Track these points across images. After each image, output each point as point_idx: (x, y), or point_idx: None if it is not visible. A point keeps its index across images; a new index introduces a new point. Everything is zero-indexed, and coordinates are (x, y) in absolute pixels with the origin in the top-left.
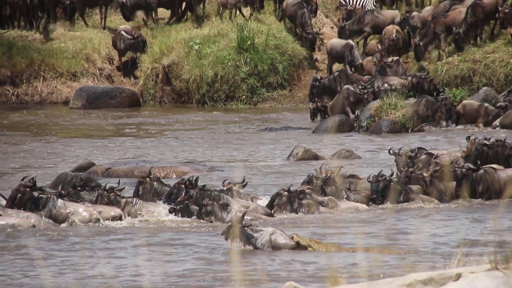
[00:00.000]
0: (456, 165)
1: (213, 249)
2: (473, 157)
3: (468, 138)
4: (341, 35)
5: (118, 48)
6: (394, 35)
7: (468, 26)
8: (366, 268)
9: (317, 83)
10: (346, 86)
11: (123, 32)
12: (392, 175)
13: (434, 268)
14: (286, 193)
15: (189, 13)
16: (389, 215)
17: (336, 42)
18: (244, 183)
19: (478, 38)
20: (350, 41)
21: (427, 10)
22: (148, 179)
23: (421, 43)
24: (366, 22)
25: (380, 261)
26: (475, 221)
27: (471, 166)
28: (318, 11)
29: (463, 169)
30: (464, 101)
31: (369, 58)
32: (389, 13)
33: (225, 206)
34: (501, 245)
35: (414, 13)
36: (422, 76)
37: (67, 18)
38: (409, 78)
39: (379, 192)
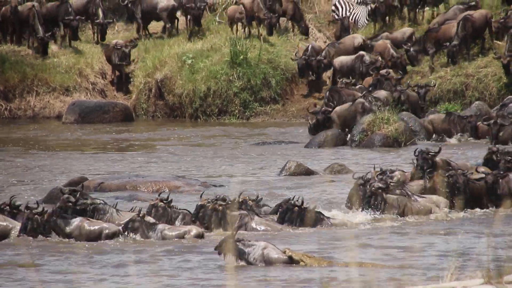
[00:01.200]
0: (365, 184)
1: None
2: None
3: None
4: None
5: (113, 63)
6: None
7: (459, 41)
8: (359, 283)
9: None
10: (360, 100)
11: (116, 46)
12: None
13: (427, 282)
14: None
15: (189, 27)
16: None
17: (344, 58)
18: (259, 199)
19: (470, 52)
20: (362, 52)
21: (401, 32)
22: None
23: (411, 49)
24: (332, 55)
25: (373, 275)
26: (469, 234)
27: (381, 185)
28: (311, 25)
29: (373, 188)
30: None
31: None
32: (349, 38)
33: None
34: (494, 259)
35: (383, 34)
36: (406, 89)
37: (71, 35)
38: (397, 91)
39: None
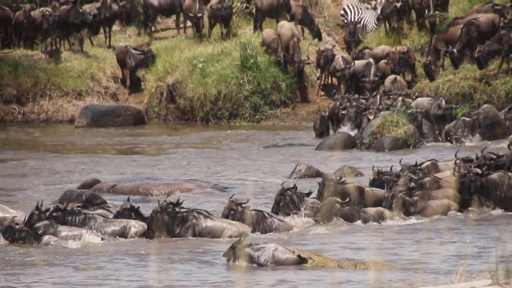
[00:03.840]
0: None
1: None
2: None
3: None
4: None
5: (128, 66)
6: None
7: (463, 45)
8: (366, 283)
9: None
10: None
11: (132, 49)
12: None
13: (436, 283)
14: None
15: (193, 31)
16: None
17: (358, 63)
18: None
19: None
20: (371, 60)
21: (381, 48)
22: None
23: (429, 61)
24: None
25: (381, 276)
26: (477, 235)
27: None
28: (320, 29)
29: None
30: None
31: None
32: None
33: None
34: (503, 260)
35: (366, 51)
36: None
37: (92, 33)
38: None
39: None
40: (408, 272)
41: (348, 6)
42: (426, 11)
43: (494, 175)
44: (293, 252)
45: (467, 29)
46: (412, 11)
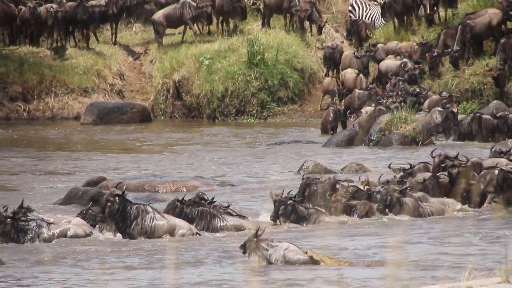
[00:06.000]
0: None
1: None
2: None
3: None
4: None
5: (185, 18)
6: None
7: (460, 46)
8: (378, 283)
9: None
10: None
11: (191, 1)
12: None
13: (446, 281)
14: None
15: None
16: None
17: (390, 62)
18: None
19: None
20: (405, 59)
21: (393, 43)
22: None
23: (435, 54)
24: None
25: (393, 275)
26: (485, 234)
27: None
28: (328, 25)
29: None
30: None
31: None
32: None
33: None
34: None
35: (379, 46)
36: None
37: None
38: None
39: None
40: (418, 270)
41: (356, 2)
42: (435, 7)
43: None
44: (306, 252)
45: (462, 30)
46: (421, 6)
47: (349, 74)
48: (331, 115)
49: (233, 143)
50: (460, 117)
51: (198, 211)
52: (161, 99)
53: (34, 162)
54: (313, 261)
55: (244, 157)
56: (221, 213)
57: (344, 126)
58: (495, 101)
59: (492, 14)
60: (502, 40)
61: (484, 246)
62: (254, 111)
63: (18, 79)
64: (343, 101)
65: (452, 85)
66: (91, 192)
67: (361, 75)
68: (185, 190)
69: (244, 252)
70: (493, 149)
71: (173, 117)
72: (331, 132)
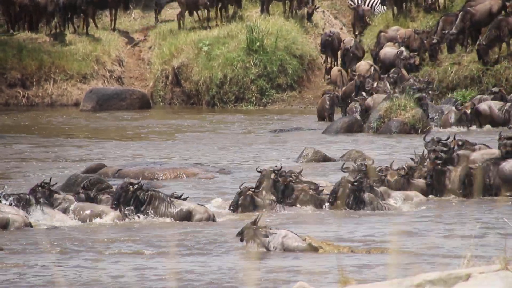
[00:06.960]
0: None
1: None
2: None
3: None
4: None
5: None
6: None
7: (458, 31)
8: (376, 269)
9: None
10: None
11: None
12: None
13: (443, 268)
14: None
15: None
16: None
17: (388, 51)
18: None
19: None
20: (402, 48)
21: (393, 30)
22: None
23: (435, 41)
24: None
25: (392, 262)
26: (484, 221)
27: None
28: (327, 12)
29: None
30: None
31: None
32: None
33: None
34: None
35: (381, 34)
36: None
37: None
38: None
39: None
40: (416, 257)
41: None
42: None
43: None
44: (304, 239)
45: (462, 17)
46: None
47: (363, 66)
48: (327, 102)
49: (232, 131)
50: (498, 104)
51: (148, 196)
52: (160, 85)
53: (33, 148)
54: (312, 248)
55: (244, 145)
56: (170, 198)
57: (345, 113)
58: (494, 88)
59: (492, 2)
60: (499, 17)
61: (483, 235)
62: (253, 98)
63: (17, 65)
64: (343, 88)
65: (452, 72)
66: (91, 179)
67: (373, 66)
68: (184, 177)
69: (241, 240)
70: (430, 138)
71: (172, 103)
72: (328, 119)
